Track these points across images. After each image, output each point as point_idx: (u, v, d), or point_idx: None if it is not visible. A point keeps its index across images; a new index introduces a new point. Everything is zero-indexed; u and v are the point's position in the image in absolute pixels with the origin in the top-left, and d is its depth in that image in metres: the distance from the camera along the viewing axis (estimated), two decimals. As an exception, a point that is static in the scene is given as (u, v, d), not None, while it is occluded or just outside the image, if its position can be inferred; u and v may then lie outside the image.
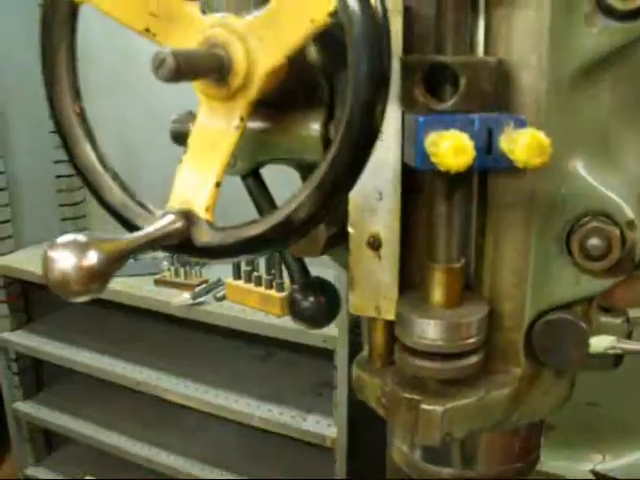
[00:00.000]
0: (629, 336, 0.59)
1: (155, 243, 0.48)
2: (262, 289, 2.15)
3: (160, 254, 2.57)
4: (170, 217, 0.49)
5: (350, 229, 0.54)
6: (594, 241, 0.51)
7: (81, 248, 0.42)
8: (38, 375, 3.08)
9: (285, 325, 2.08)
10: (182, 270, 2.38)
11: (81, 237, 0.43)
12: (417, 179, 0.53)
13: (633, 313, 0.66)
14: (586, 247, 0.52)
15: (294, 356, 2.53)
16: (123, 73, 2.79)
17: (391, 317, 0.55)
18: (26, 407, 2.97)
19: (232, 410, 2.32)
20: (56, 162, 2.97)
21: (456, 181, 0.49)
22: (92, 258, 0.42)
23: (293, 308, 0.63)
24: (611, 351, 0.55)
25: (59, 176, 3.02)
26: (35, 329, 2.91)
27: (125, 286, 2.44)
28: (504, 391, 0.55)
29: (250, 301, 2.18)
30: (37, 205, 2.96)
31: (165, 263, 2.45)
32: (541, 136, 0.42)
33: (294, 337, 2.09)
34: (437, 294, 0.52)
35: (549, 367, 0.57)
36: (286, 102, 0.57)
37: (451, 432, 0.53)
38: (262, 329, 2.14)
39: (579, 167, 0.52)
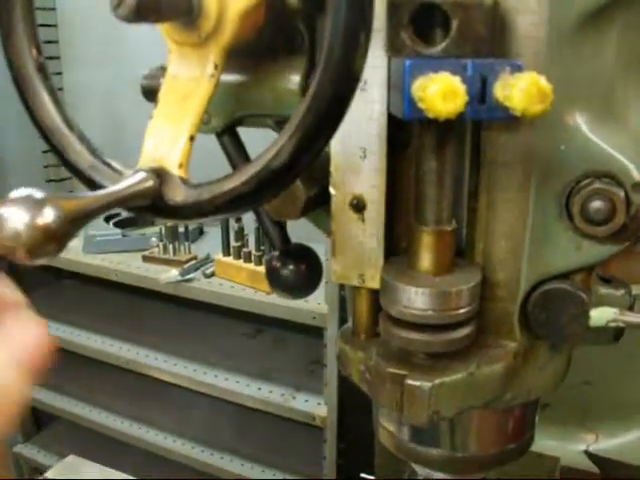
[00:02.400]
0: (631, 309, 0.55)
1: (123, 202, 0.43)
2: (252, 265, 2.11)
3: (149, 230, 2.53)
4: (140, 175, 0.45)
5: (332, 190, 0.50)
6: (597, 204, 0.47)
7: (36, 204, 0.38)
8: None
9: (275, 302, 2.04)
10: (171, 246, 2.34)
11: (37, 192, 0.39)
12: (404, 134, 0.49)
13: (635, 290, 0.62)
14: (588, 210, 0.47)
15: (284, 334, 2.50)
16: (110, 42, 2.73)
17: (376, 285, 0.50)
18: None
19: (221, 388, 2.28)
20: (45, 151, 2.91)
21: (446, 133, 0.44)
22: (48, 216, 0.38)
23: (272, 276, 0.58)
24: (613, 324, 0.51)
25: (47, 166, 2.96)
26: (22, 306, 2.86)
27: (113, 262, 2.40)
28: (497, 366, 0.51)
29: (239, 278, 2.13)
30: (25, 183, 2.90)
31: (154, 239, 2.40)
32: (541, 80, 0.37)
33: (284, 314, 2.05)
34: (426, 260, 0.47)
35: (546, 341, 0.53)
36: (263, 52, 0.52)
37: (439, 410, 0.49)
38: (251, 306, 2.10)
39: (581, 123, 0.48)
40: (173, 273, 2.21)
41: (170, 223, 0.54)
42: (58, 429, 3.07)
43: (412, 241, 0.48)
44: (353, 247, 0.50)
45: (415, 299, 0.46)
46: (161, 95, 0.49)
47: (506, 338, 0.52)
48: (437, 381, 0.48)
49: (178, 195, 0.45)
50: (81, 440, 2.84)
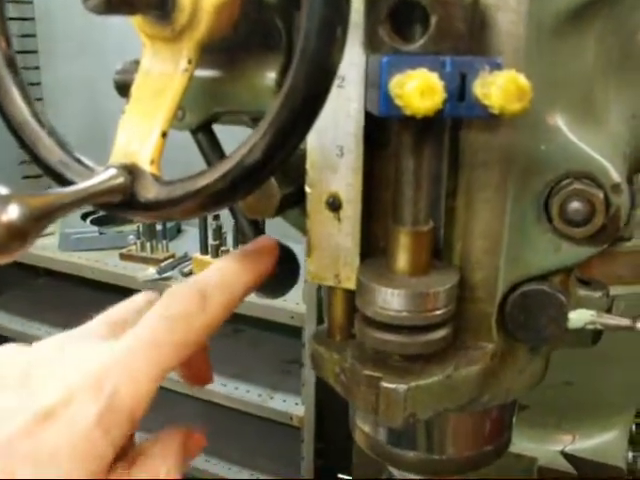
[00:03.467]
0: (609, 311, 0.54)
1: (93, 199, 0.42)
2: (230, 264, 2.10)
3: (126, 228, 2.50)
4: (111, 171, 0.44)
5: (307, 188, 0.49)
6: (576, 205, 0.47)
7: (0, 201, 0.37)
8: (1, 351, 3.00)
9: (252, 301, 2.00)
10: (148, 244, 2.32)
11: (1, 188, 0.38)
12: (382, 132, 0.48)
13: (613, 291, 0.61)
14: (567, 211, 0.47)
15: (261, 333, 2.49)
16: (90, 35, 2.70)
17: (352, 286, 0.49)
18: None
19: (198, 388, 2.27)
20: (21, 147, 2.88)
21: (424, 132, 0.44)
22: (12, 213, 0.37)
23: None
24: (591, 326, 0.51)
25: (23, 162, 2.94)
26: (-1, 305, 2.84)
27: (90, 260, 2.38)
28: (474, 368, 0.50)
29: (217, 276, 2.12)
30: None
31: (131, 237, 2.38)
32: (520, 78, 0.37)
33: (261, 313, 2.04)
34: (402, 260, 0.46)
35: (524, 343, 0.53)
36: (239, 47, 0.51)
37: (415, 412, 0.48)
38: (229, 305, 2.09)
39: (561, 123, 0.47)
40: (150, 271, 2.20)
41: (142, 220, 0.53)
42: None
43: (389, 241, 0.47)
44: (329, 247, 0.49)
45: (391, 300, 0.45)
46: (133, 90, 0.48)
47: (484, 339, 0.51)
48: (413, 384, 0.47)
49: (150, 192, 0.44)
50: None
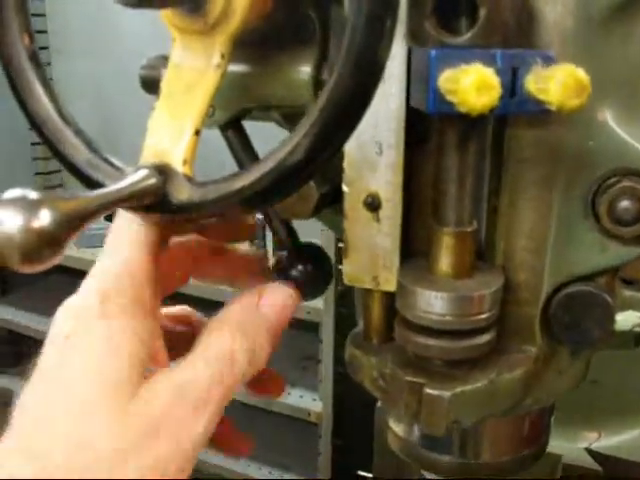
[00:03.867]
0: (653, 311, 0.52)
1: (125, 202, 0.41)
2: (245, 259, 2.08)
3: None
4: (143, 172, 0.42)
5: (345, 187, 0.47)
6: (625, 203, 0.45)
7: (31, 206, 0.35)
8: (15, 348, 3.01)
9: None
10: (163, 240, 2.31)
11: (32, 193, 0.36)
12: (423, 130, 0.46)
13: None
14: (616, 210, 0.45)
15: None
16: (101, 32, 2.69)
17: (391, 288, 0.48)
18: (3, 381, 2.90)
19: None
20: (33, 144, 2.88)
21: (470, 129, 0.42)
22: (44, 218, 0.35)
23: (280, 277, 0.56)
24: (638, 329, 0.49)
25: (35, 158, 2.93)
26: (10, 301, 2.83)
27: (91, 256, 2.37)
28: (517, 373, 0.49)
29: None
30: (12, 175, 2.87)
31: (146, 233, 2.37)
32: (579, 73, 0.35)
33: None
34: (445, 262, 0.45)
35: (567, 346, 0.51)
36: (272, 40, 0.49)
37: (459, 419, 0.46)
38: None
39: (608, 117, 0.45)
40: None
41: (174, 223, 0.51)
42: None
43: (431, 243, 0.45)
44: (367, 248, 0.48)
45: (434, 303, 0.44)
46: (163, 85, 0.46)
47: (527, 343, 0.50)
48: (457, 390, 0.46)
49: (183, 194, 0.42)
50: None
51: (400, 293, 0.46)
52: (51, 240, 0.35)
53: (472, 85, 0.34)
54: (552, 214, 0.46)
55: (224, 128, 0.54)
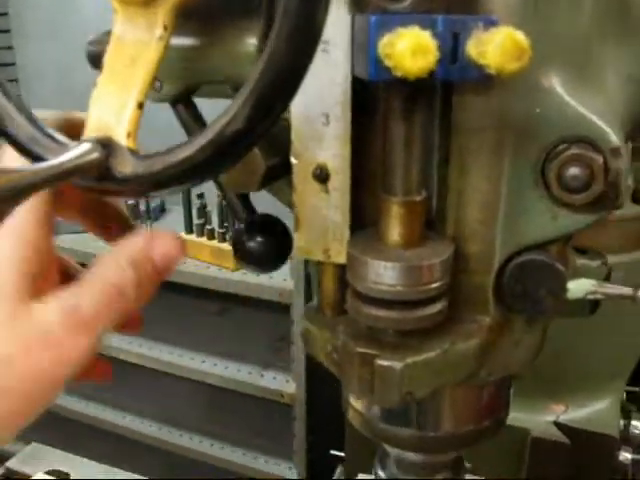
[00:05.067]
0: (607, 279, 0.52)
1: (67, 176, 0.40)
2: (215, 242, 2.08)
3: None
4: (85, 146, 0.41)
5: (293, 159, 0.47)
6: (574, 170, 0.44)
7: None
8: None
9: (240, 279, 2.01)
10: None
11: None
12: (370, 99, 0.45)
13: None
14: (565, 177, 0.45)
15: (250, 311, 2.46)
16: (63, 12, 2.65)
17: (342, 261, 0.47)
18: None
19: (188, 368, 2.26)
20: None
21: (415, 96, 0.41)
22: None
23: (238, 250, 0.55)
24: (591, 296, 0.49)
25: None
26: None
27: (74, 243, 2.34)
28: (472, 342, 0.49)
29: (203, 255, 2.10)
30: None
31: (114, 218, 2.35)
32: (518, 35, 0.35)
33: (249, 291, 2.02)
34: (394, 232, 0.44)
35: (521, 315, 0.51)
36: (217, 12, 0.49)
37: (412, 390, 0.46)
38: (216, 284, 2.07)
39: (557, 84, 0.45)
40: (135, 252, 2.17)
41: (119, 197, 0.51)
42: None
43: (380, 213, 0.45)
44: (317, 220, 0.47)
45: (384, 274, 0.43)
46: (106, 59, 0.45)
47: (480, 313, 0.50)
48: (409, 360, 0.45)
49: (127, 167, 0.42)
50: (47, 426, 2.79)
51: (350, 264, 0.46)
52: None
53: (407, 49, 0.33)
54: (502, 183, 0.46)
55: (173, 103, 0.54)
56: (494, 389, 0.59)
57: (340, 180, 0.46)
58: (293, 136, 0.46)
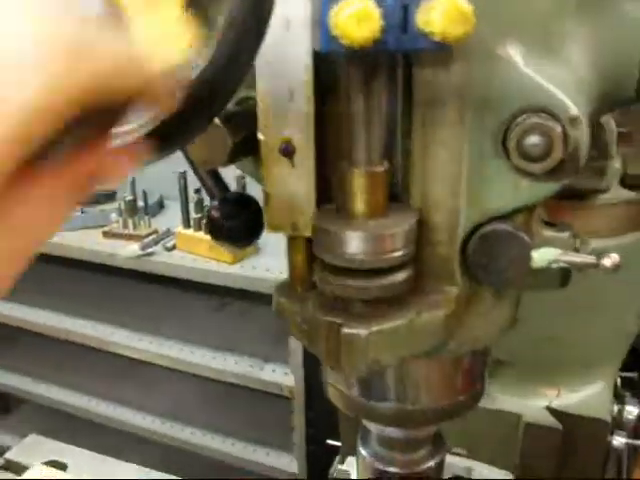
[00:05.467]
0: (576, 252, 0.53)
1: None
2: (212, 237, 2.09)
3: (108, 206, 2.48)
4: None
5: (260, 135, 0.48)
6: (533, 139, 0.45)
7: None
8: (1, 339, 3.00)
9: (238, 273, 2.02)
10: (130, 221, 2.30)
11: None
12: (333, 74, 0.47)
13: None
14: (524, 146, 0.46)
15: (248, 306, 2.48)
16: None
17: (309, 234, 0.48)
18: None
19: (188, 362, 2.27)
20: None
21: (373, 68, 0.43)
22: None
23: (212, 227, 0.56)
24: (555, 265, 0.50)
25: None
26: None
27: (73, 240, 2.36)
28: (438, 313, 0.50)
29: (200, 250, 2.11)
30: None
31: (113, 215, 2.36)
32: (461, 2, 0.36)
33: (247, 285, 2.03)
34: (358, 203, 0.45)
35: (488, 287, 0.52)
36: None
37: (378, 358, 0.47)
38: (214, 278, 2.08)
39: (515, 55, 0.46)
40: (133, 248, 2.18)
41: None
42: (25, 411, 3.04)
43: (344, 185, 0.46)
44: (284, 194, 0.48)
45: (348, 243, 0.45)
46: None
47: (447, 283, 0.50)
48: (374, 328, 0.46)
49: None
50: (49, 421, 2.81)
51: (316, 236, 0.47)
52: None
53: (351, 16, 0.34)
54: (464, 154, 0.47)
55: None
56: (469, 363, 0.60)
57: (305, 155, 0.47)
58: (259, 112, 0.47)
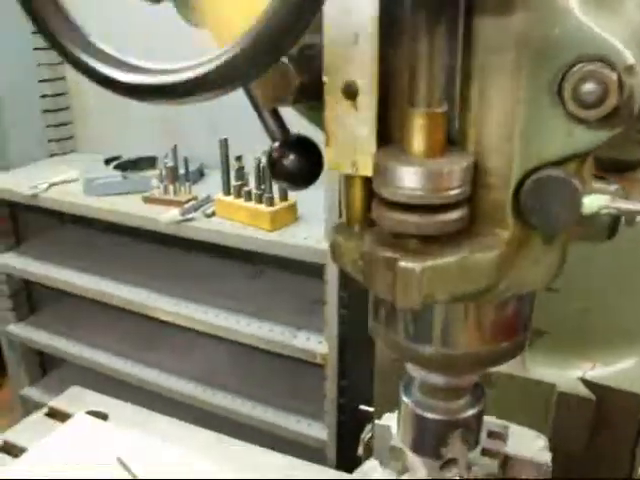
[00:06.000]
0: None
1: None
2: (252, 204, 2.12)
3: (149, 173, 2.53)
4: None
5: (324, 77, 0.50)
6: (589, 86, 0.47)
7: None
8: (30, 298, 3.07)
9: (275, 239, 2.05)
10: (171, 187, 2.34)
11: None
12: (397, 19, 0.49)
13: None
14: (580, 93, 0.47)
15: (285, 274, 2.52)
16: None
17: (368, 173, 0.51)
18: (19, 330, 2.98)
19: (223, 327, 2.31)
20: (41, 81, 2.90)
21: (437, 13, 0.45)
22: None
23: (273, 168, 0.58)
24: (605, 211, 0.51)
25: (44, 95, 2.96)
26: (25, 251, 2.89)
27: (114, 204, 2.41)
28: (490, 254, 0.52)
29: (240, 216, 2.14)
30: (23, 127, 2.90)
31: (154, 181, 2.41)
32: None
33: (283, 252, 2.06)
34: (417, 142, 0.48)
35: (539, 231, 0.54)
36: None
37: (432, 293, 0.50)
38: (251, 244, 2.11)
39: (574, 6, 0.48)
40: (174, 213, 2.22)
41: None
42: (62, 372, 3.12)
43: (405, 125, 0.48)
44: (346, 135, 0.51)
45: (407, 179, 0.47)
46: None
47: (499, 227, 0.52)
48: (429, 263, 0.49)
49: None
50: (85, 382, 2.88)
51: (376, 172, 0.49)
52: None
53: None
54: (520, 101, 0.49)
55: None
56: (514, 311, 0.62)
57: (368, 97, 0.49)
58: (325, 55, 0.49)
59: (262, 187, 2.10)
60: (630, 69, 0.47)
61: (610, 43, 0.47)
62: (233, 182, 2.18)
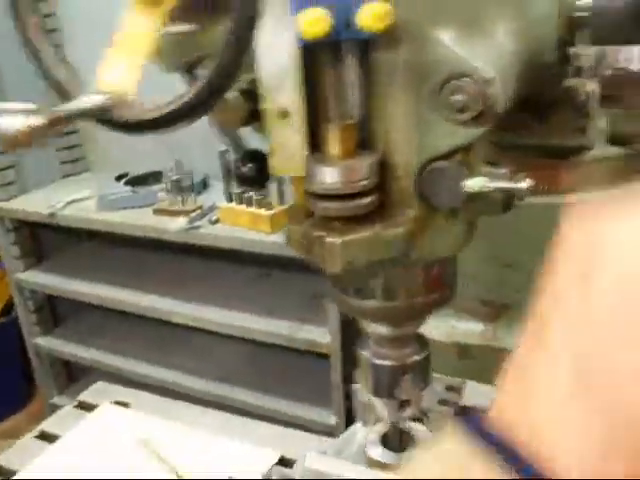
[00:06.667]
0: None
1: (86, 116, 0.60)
2: (253, 209, 2.28)
3: (157, 187, 2.70)
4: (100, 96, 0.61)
5: (263, 105, 0.66)
6: (458, 97, 0.63)
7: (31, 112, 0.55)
8: (54, 311, 3.25)
9: (275, 241, 2.22)
10: (178, 198, 2.52)
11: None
12: (313, 60, 0.65)
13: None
14: (453, 102, 0.63)
15: (286, 272, 2.68)
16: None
17: (302, 174, 0.67)
18: (45, 342, 3.15)
19: (235, 327, 2.47)
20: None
21: (335, 54, 0.62)
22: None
23: (236, 174, 0.76)
24: (485, 189, 0.67)
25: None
26: (46, 268, 3.06)
27: (126, 218, 2.58)
28: (399, 229, 0.68)
29: (242, 222, 2.31)
30: (36, 152, 3.07)
31: (161, 193, 2.58)
32: (380, 6, 0.55)
33: (284, 251, 2.22)
34: (334, 148, 0.64)
35: (437, 207, 0.70)
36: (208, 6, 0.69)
37: (352, 261, 0.66)
38: (254, 246, 2.28)
39: (444, 37, 0.63)
40: (181, 222, 2.40)
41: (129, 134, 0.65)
42: (89, 379, 3.27)
43: (325, 136, 0.65)
44: (285, 147, 0.67)
45: (327, 176, 0.63)
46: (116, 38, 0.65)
47: (406, 207, 0.69)
48: (348, 238, 0.65)
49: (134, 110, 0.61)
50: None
51: (307, 174, 0.66)
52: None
53: (308, 21, 0.53)
54: (412, 110, 0.65)
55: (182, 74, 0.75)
56: (440, 269, 0.79)
57: (297, 116, 0.65)
58: (261, 88, 0.66)
59: (261, 193, 2.27)
60: (489, 82, 0.63)
61: (471, 63, 0.63)
62: (234, 190, 2.35)
